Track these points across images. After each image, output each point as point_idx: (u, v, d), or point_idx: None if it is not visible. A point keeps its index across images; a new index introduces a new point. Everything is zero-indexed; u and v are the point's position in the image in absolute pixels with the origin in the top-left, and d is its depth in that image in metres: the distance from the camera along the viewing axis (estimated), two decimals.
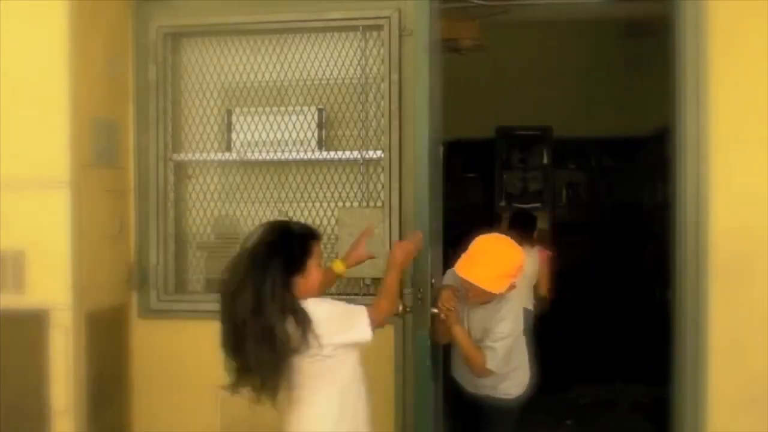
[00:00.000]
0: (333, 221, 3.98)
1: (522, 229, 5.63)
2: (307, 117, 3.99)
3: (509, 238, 3.49)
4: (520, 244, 3.55)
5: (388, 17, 3.79)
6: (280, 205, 4.06)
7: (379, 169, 3.88)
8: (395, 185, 3.78)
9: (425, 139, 3.41)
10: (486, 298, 3.40)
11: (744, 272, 3.46)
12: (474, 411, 3.72)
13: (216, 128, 4.13)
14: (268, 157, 4.01)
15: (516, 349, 3.56)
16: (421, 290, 3.08)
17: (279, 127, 4.01)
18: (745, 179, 3.47)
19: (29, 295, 3.59)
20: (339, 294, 3.92)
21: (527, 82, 7.44)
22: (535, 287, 5.69)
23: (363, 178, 3.93)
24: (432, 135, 3.49)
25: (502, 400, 3.65)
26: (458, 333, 3.41)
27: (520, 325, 3.54)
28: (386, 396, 3.71)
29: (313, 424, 2.72)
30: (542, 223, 7.28)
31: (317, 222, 4.02)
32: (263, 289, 2.53)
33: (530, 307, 5.45)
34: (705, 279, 3.46)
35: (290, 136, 4.00)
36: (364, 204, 3.93)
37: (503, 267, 3.32)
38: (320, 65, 4.02)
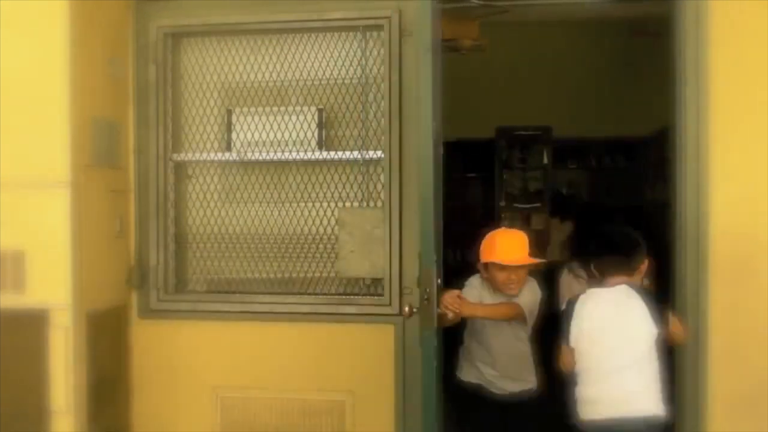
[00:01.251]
0: (333, 221, 3.97)
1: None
2: (307, 117, 3.99)
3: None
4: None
5: (389, 17, 3.79)
6: (280, 205, 4.06)
7: (379, 169, 3.88)
8: (395, 185, 3.78)
9: (429, 140, 3.37)
10: (519, 285, 3.64)
11: (744, 272, 3.45)
12: (499, 412, 3.73)
13: (216, 128, 4.13)
14: (268, 157, 4.01)
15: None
16: (428, 290, 3.08)
17: (279, 127, 4.01)
18: (745, 179, 3.47)
19: (29, 295, 3.59)
20: (341, 294, 3.93)
21: (527, 82, 7.43)
22: None
23: (363, 178, 3.93)
24: (435, 136, 3.49)
25: (530, 391, 3.77)
26: (481, 311, 3.60)
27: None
28: (388, 397, 3.73)
29: None
30: (540, 224, 7.30)
31: (317, 222, 4.03)
32: None
33: None
34: (705, 279, 3.46)
35: (290, 136, 4.00)
36: (364, 204, 3.93)
37: (527, 246, 3.66)
38: (320, 65, 4.01)
